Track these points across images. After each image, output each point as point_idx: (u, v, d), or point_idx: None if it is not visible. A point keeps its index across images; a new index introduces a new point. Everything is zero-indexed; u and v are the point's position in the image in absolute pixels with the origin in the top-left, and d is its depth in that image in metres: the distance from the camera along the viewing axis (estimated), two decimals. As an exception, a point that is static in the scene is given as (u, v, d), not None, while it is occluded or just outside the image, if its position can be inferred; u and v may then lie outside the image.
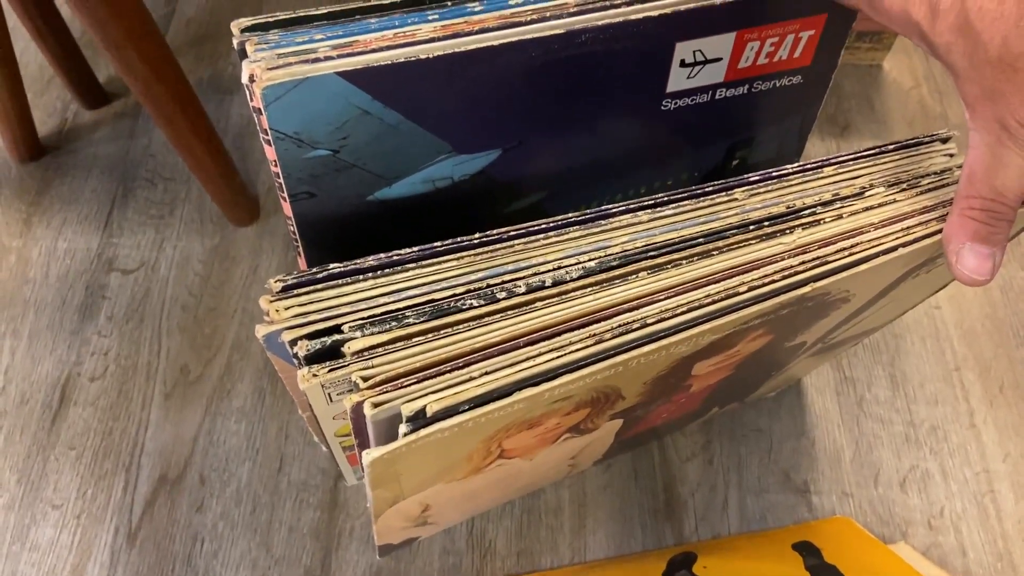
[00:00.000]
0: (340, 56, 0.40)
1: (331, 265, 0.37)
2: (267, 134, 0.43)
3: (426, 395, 0.33)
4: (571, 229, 0.39)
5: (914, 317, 0.76)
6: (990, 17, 0.32)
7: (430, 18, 0.43)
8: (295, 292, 0.37)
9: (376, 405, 0.33)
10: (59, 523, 0.66)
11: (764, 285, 0.37)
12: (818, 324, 0.48)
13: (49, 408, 0.71)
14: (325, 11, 0.44)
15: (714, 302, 0.37)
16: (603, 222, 0.40)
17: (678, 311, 0.36)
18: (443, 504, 0.51)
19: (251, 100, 0.41)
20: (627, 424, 0.51)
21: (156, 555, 0.64)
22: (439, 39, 0.41)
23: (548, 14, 0.42)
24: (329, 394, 0.37)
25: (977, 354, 0.75)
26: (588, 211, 0.40)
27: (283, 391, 0.71)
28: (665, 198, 0.41)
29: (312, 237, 0.48)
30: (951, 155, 0.44)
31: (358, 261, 0.38)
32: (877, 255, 0.39)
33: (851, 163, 0.43)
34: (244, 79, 0.40)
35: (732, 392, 0.59)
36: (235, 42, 0.43)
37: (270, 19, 0.43)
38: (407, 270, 0.38)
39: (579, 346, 0.35)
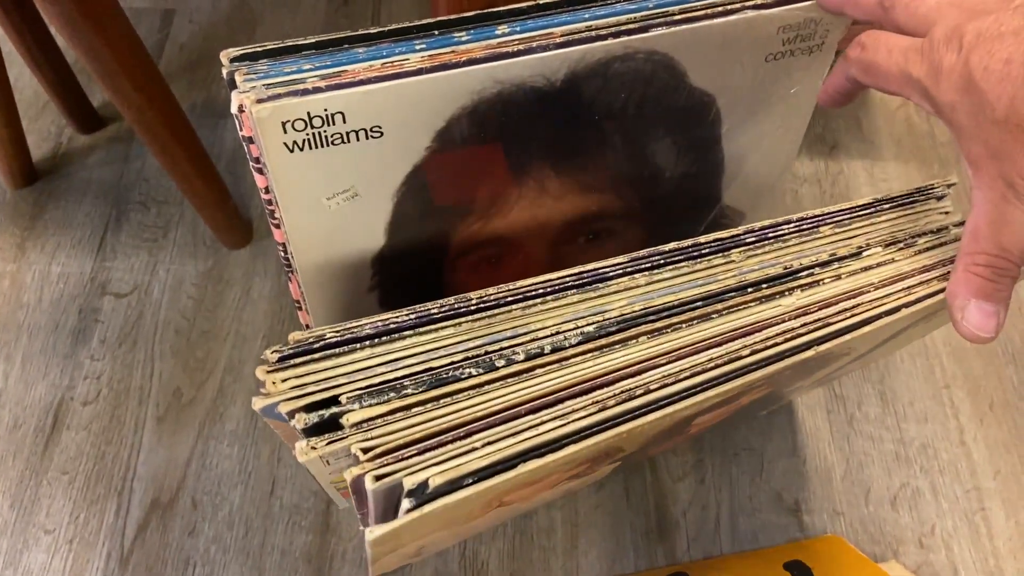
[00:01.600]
0: (329, 88, 0.40)
1: (327, 334, 0.37)
2: (257, 163, 0.43)
3: (428, 467, 0.33)
4: (568, 293, 0.39)
5: (903, 335, 0.77)
6: (996, 77, 0.32)
7: (417, 47, 0.44)
8: (292, 363, 0.36)
9: (378, 478, 0.33)
10: (51, 548, 0.66)
11: (767, 348, 0.37)
12: (819, 373, 0.48)
13: (42, 432, 0.71)
14: (313, 40, 0.44)
15: (717, 366, 0.37)
16: (600, 286, 0.40)
17: (681, 376, 0.36)
18: (440, 541, 0.51)
19: (240, 129, 0.41)
20: (624, 463, 0.52)
21: (148, 580, 0.64)
22: (426, 70, 0.41)
23: (535, 44, 0.43)
24: (327, 460, 0.37)
25: (967, 372, 0.75)
26: (585, 274, 0.40)
27: (276, 414, 0.72)
28: (661, 260, 0.41)
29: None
30: (947, 212, 0.44)
31: (354, 329, 0.37)
32: (881, 316, 0.39)
33: (847, 222, 0.43)
34: (233, 109, 0.40)
35: (727, 425, 0.60)
36: (224, 71, 0.43)
37: (258, 49, 0.44)
38: (404, 338, 0.37)
39: (582, 413, 0.35)
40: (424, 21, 0.46)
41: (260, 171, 0.43)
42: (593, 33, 0.42)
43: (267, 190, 0.44)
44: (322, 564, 0.65)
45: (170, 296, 0.78)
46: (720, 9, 0.43)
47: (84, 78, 0.88)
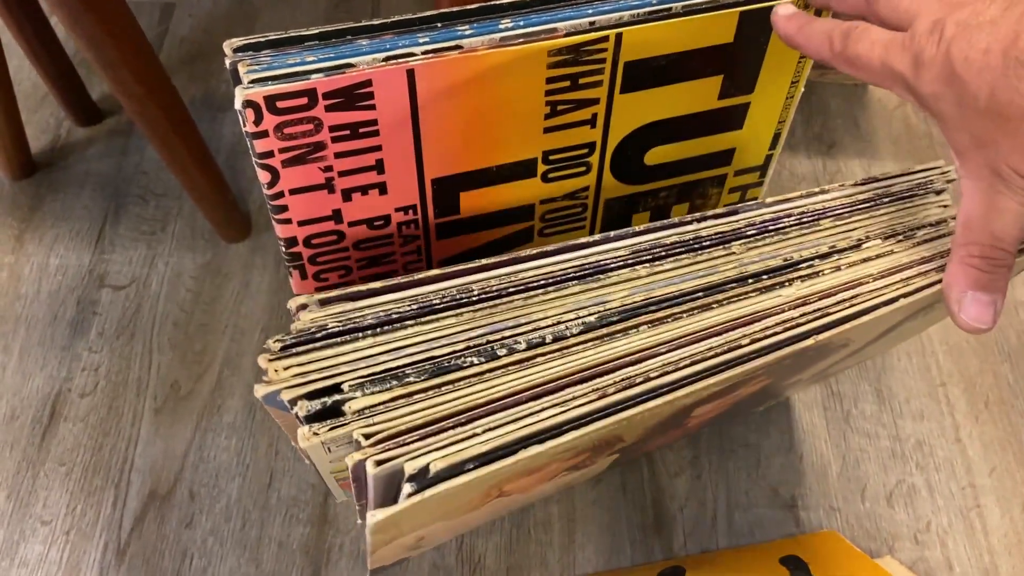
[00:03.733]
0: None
1: (329, 324, 0.37)
2: (261, 158, 0.43)
3: (429, 452, 0.33)
4: (570, 284, 0.40)
5: (900, 333, 0.77)
6: (976, 67, 0.32)
7: (420, 41, 0.44)
8: (294, 351, 0.37)
9: (379, 463, 0.33)
10: (48, 539, 0.65)
11: (766, 337, 0.38)
12: (816, 366, 0.48)
13: (39, 424, 0.71)
14: (317, 31, 0.45)
15: (717, 355, 0.37)
16: (601, 277, 0.40)
17: (681, 364, 0.37)
18: (438, 534, 0.51)
19: (244, 125, 0.41)
20: (622, 456, 0.52)
21: (145, 572, 0.64)
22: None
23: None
24: (328, 447, 0.37)
25: (962, 369, 0.75)
26: (587, 265, 0.40)
27: (274, 407, 0.72)
28: (663, 252, 0.41)
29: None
30: (945, 206, 0.45)
31: (356, 319, 0.38)
32: (879, 306, 0.39)
33: (847, 215, 0.43)
34: (237, 105, 0.40)
35: (725, 419, 0.60)
36: (227, 62, 0.43)
37: (262, 39, 0.44)
38: (406, 327, 0.38)
39: (582, 401, 0.35)
40: (427, 13, 0.46)
41: (264, 168, 0.43)
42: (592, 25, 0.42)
43: (268, 184, 0.45)
44: (319, 556, 0.65)
45: (168, 289, 0.78)
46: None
47: (83, 70, 0.88)
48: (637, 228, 0.42)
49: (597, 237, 0.41)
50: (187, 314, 0.77)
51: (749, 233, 0.42)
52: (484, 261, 0.40)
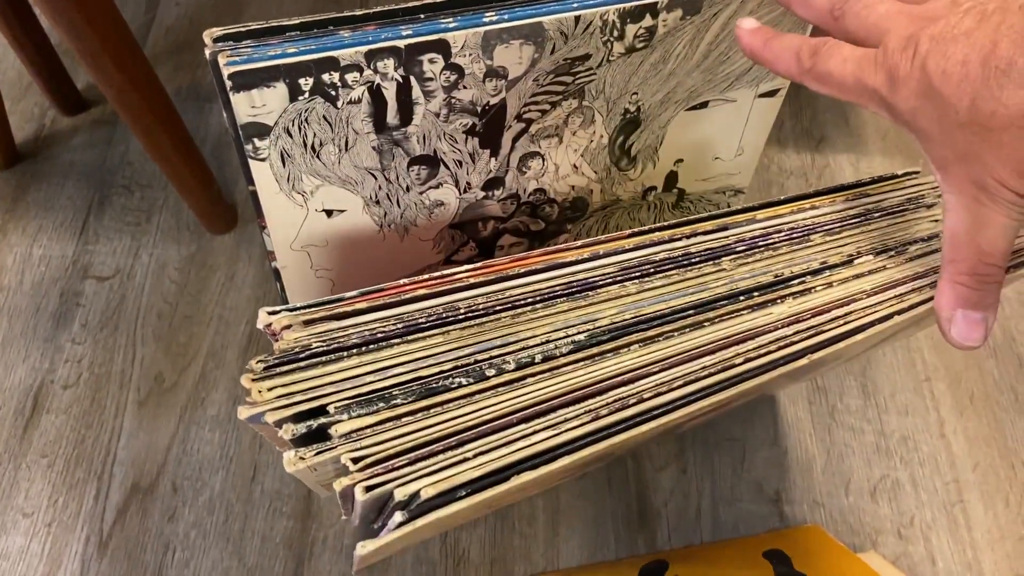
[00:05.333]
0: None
1: (313, 344, 0.36)
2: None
3: (419, 477, 0.32)
4: (558, 301, 0.39)
5: (886, 328, 0.77)
6: (955, 80, 0.31)
7: (403, 33, 0.44)
8: (277, 371, 0.36)
9: (368, 489, 0.32)
10: (29, 531, 0.65)
11: (760, 356, 0.37)
12: (808, 375, 0.48)
13: (21, 415, 0.70)
14: (298, 21, 0.44)
15: (710, 374, 0.36)
16: (590, 294, 0.39)
17: (675, 384, 0.36)
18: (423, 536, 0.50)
19: (264, 332, 0.40)
20: (608, 459, 0.51)
21: (127, 564, 0.64)
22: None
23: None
24: (315, 467, 0.37)
25: (947, 365, 0.76)
26: (575, 282, 0.40)
27: (258, 400, 0.71)
28: (652, 269, 0.40)
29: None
30: (936, 220, 0.44)
31: (340, 337, 0.37)
32: (874, 323, 0.39)
33: (838, 231, 0.43)
34: (260, 325, 0.38)
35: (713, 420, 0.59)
36: (207, 52, 0.43)
37: (242, 29, 0.43)
38: (392, 346, 0.37)
39: (575, 423, 0.35)
40: (410, 4, 0.45)
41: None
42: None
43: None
44: (303, 550, 0.65)
45: (153, 280, 0.78)
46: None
47: (68, 59, 0.87)
48: (626, 245, 0.41)
49: (586, 254, 0.40)
50: (171, 306, 0.76)
51: (739, 249, 0.42)
52: (471, 280, 0.39)
